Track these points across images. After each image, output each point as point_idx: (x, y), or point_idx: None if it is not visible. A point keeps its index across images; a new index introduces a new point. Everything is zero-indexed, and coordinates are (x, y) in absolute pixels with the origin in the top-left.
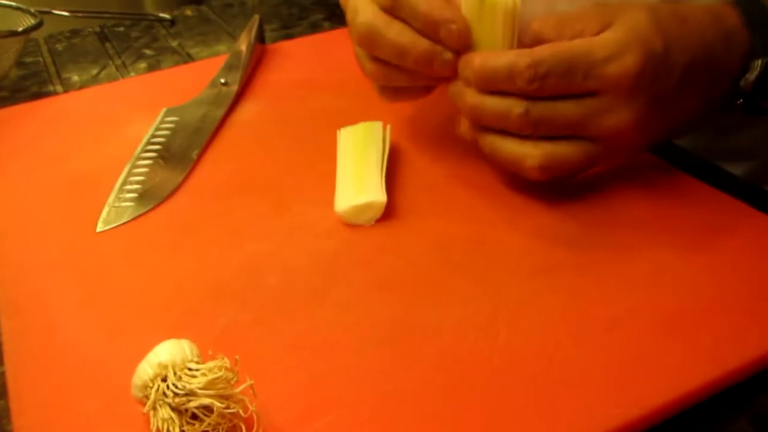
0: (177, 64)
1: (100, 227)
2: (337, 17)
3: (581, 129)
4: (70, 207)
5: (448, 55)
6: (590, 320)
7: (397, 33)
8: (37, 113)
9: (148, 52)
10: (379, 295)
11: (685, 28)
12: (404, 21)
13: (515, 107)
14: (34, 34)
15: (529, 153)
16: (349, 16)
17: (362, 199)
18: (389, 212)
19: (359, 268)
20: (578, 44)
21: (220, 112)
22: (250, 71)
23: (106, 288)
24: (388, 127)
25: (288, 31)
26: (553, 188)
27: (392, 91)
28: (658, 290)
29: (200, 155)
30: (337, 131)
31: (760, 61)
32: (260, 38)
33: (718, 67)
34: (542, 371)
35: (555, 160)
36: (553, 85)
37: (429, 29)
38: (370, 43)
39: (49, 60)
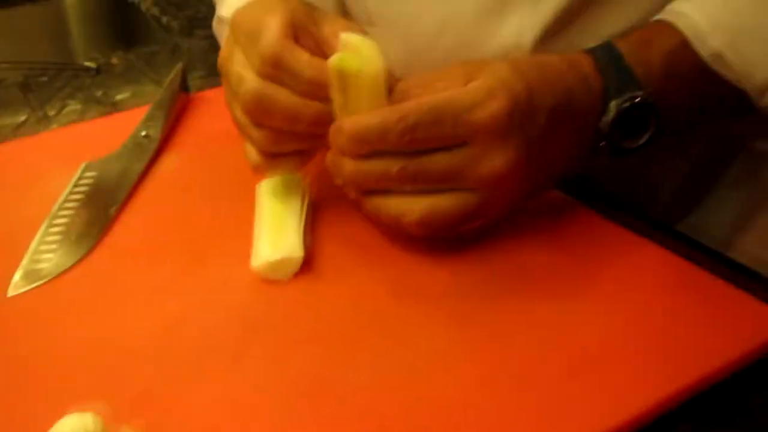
0: (101, 114)
1: (11, 292)
2: None
3: (459, 180)
4: None
5: None
6: (501, 369)
7: (288, 97)
8: None
9: (71, 102)
10: (295, 353)
11: (546, 74)
12: (288, 86)
13: (392, 165)
14: None
15: (409, 209)
16: (233, 85)
17: (278, 254)
18: (307, 266)
19: (275, 325)
20: (444, 94)
21: (140, 166)
22: (172, 122)
23: (17, 355)
24: (308, 178)
25: (215, 79)
26: (467, 239)
27: (271, 161)
28: (564, 335)
29: (118, 211)
30: (257, 184)
31: (614, 102)
32: (184, 87)
33: (581, 110)
34: (459, 421)
35: (434, 214)
36: (425, 137)
37: (315, 92)
38: (260, 111)
39: None
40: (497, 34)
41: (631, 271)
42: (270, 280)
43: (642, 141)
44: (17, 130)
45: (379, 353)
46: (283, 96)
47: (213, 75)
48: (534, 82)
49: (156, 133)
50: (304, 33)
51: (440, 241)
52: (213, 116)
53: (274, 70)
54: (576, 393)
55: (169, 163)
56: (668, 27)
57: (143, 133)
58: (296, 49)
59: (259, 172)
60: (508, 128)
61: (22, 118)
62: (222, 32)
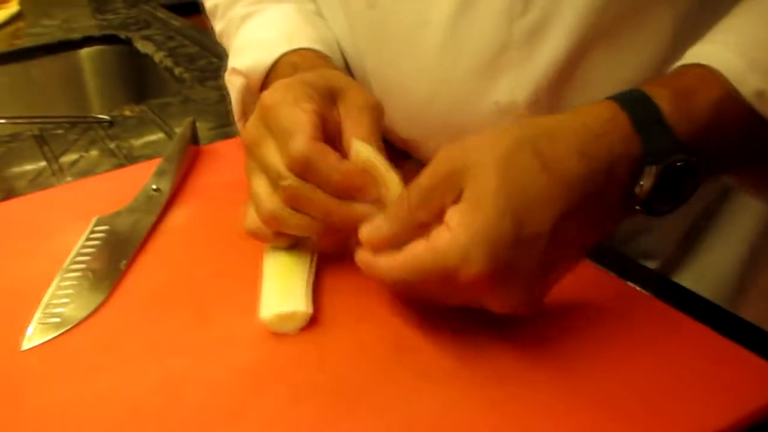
0: (114, 166)
1: (24, 345)
2: None
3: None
4: None
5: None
6: (505, 425)
7: (321, 198)
8: None
9: (85, 154)
10: (298, 409)
11: (547, 178)
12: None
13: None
14: None
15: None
16: (270, 175)
17: (286, 308)
18: (315, 319)
19: (279, 380)
20: (425, 256)
21: (150, 220)
22: (182, 175)
23: (28, 410)
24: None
25: (224, 130)
26: None
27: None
28: (569, 395)
29: (128, 266)
30: None
31: (654, 169)
32: (194, 140)
33: (607, 186)
34: None
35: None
36: (423, 287)
37: (346, 192)
38: (299, 205)
39: None
40: (490, 95)
41: (635, 328)
42: (275, 333)
43: (680, 202)
44: (33, 181)
45: (383, 408)
46: (317, 196)
47: (223, 126)
48: (526, 201)
49: (166, 186)
50: (328, 121)
51: None
52: (222, 169)
53: (304, 171)
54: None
55: (178, 215)
56: (705, 73)
57: (153, 187)
58: (325, 152)
59: (257, 238)
60: (496, 280)
61: (38, 169)
62: (235, 83)
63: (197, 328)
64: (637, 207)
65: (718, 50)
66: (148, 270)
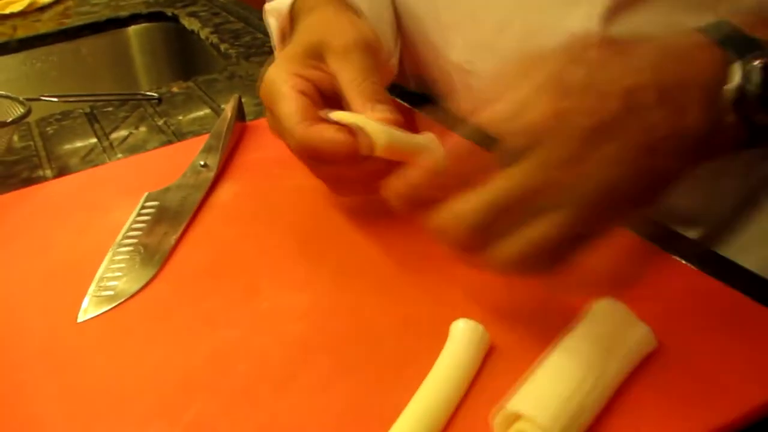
0: (163, 142)
1: (80, 318)
2: None
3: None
4: (53, 297)
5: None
6: None
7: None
8: (26, 201)
9: (134, 131)
10: (344, 381)
11: (617, 55)
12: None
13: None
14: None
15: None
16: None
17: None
18: (355, 294)
19: (326, 352)
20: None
21: (198, 196)
22: (229, 151)
23: (83, 380)
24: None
25: None
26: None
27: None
28: None
29: (178, 241)
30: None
31: (737, 65)
32: (240, 116)
33: (687, 78)
34: None
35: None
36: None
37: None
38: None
39: (40, 144)
40: (564, 24)
41: (679, 300)
42: (323, 308)
43: None
44: (85, 158)
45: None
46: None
47: None
48: (594, 63)
49: (214, 162)
50: (323, 82)
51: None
52: (268, 144)
53: (310, 156)
54: (623, 423)
55: (226, 191)
56: None
57: (201, 163)
58: (317, 131)
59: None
60: (563, 124)
61: (90, 146)
62: (270, 23)
63: (246, 302)
64: (732, 120)
65: None
66: (197, 245)
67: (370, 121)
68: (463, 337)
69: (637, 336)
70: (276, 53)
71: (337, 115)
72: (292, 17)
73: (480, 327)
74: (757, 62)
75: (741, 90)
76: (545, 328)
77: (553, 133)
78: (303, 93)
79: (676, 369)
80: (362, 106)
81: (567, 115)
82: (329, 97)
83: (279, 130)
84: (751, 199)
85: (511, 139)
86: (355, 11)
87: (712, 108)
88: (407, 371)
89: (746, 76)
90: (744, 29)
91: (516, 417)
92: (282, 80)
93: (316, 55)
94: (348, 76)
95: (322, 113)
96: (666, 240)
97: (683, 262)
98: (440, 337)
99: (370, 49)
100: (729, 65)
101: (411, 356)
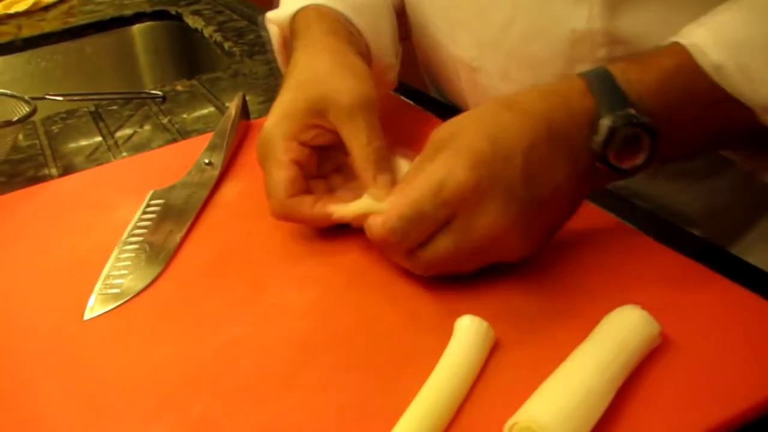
0: (167, 140)
1: (86, 315)
2: None
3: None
4: (59, 295)
5: None
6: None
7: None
8: (31, 199)
9: (139, 129)
10: (348, 377)
11: (512, 118)
12: None
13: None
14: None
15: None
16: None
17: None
18: (360, 292)
19: (330, 349)
20: (418, 183)
21: (203, 194)
22: (233, 149)
23: (89, 377)
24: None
25: None
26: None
27: None
28: None
29: (183, 239)
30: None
31: (603, 121)
32: (245, 114)
33: (564, 134)
34: None
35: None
36: (419, 233)
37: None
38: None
39: (45, 143)
40: (568, 22)
41: (684, 296)
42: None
43: (638, 162)
44: (90, 156)
45: (425, 378)
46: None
47: (272, 100)
48: (498, 129)
49: (218, 160)
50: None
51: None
52: None
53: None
54: (630, 417)
55: (231, 189)
56: (670, 46)
57: (206, 161)
58: (297, 206)
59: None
60: (483, 187)
61: (95, 144)
62: (271, 30)
63: (250, 299)
64: (600, 164)
65: (692, 27)
66: (202, 243)
67: (373, 203)
68: (468, 333)
69: (643, 331)
70: (278, 59)
71: (340, 211)
72: (292, 30)
73: (485, 323)
74: (617, 121)
75: (605, 144)
76: (550, 324)
77: (471, 202)
78: (296, 162)
79: (681, 364)
80: (368, 179)
81: (481, 184)
82: (325, 148)
83: (265, 187)
84: (754, 199)
85: (434, 212)
86: (352, 32)
87: (586, 156)
88: (412, 368)
89: (610, 132)
90: (617, 78)
91: (527, 426)
92: (278, 145)
93: (318, 111)
94: (354, 141)
95: (330, 208)
96: (671, 236)
97: (689, 258)
98: (444, 334)
99: (373, 108)
100: (598, 121)
101: (415, 353)
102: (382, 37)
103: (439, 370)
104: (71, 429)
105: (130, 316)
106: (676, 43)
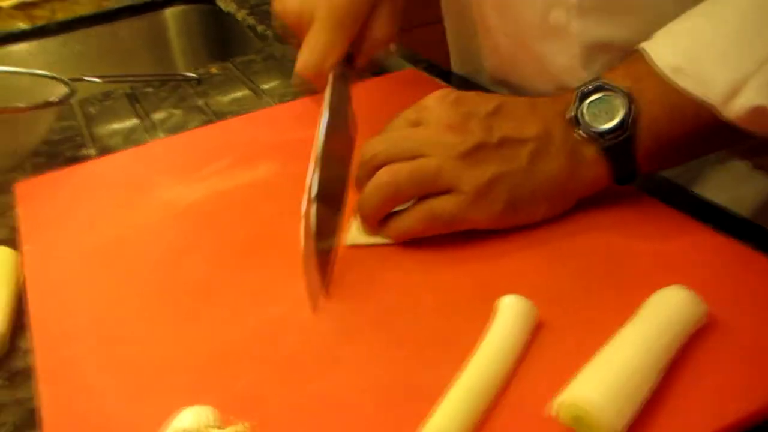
0: (203, 121)
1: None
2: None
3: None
4: (100, 272)
5: None
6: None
7: None
8: (71, 179)
9: (175, 111)
10: (389, 356)
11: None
12: None
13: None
14: None
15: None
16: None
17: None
18: (401, 271)
19: (372, 327)
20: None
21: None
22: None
23: (134, 354)
24: None
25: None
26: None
27: None
28: None
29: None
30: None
31: (576, 92)
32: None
33: (544, 107)
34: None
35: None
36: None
37: None
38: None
39: (82, 123)
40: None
41: (732, 277)
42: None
43: (615, 122)
44: (128, 137)
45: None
46: None
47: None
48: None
49: None
50: None
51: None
52: (301, 125)
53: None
54: (676, 397)
55: (268, 169)
56: (634, 52)
57: None
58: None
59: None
60: (455, 128)
61: (132, 126)
62: None
63: (290, 277)
64: (580, 132)
65: (657, 35)
66: (240, 222)
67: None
68: (511, 311)
69: (689, 311)
70: None
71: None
72: None
73: (528, 302)
74: (586, 87)
75: (576, 107)
76: (593, 305)
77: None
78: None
79: (727, 344)
80: None
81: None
82: None
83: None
84: None
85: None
86: None
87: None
88: (453, 347)
89: (578, 95)
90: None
91: (573, 405)
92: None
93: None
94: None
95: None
96: (714, 217)
97: (733, 239)
98: (485, 315)
99: None
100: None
101: (456, 333)
102: None
103: (483, 348)
104: (117, 404)
105: (171, 293)
106: (640, 49)
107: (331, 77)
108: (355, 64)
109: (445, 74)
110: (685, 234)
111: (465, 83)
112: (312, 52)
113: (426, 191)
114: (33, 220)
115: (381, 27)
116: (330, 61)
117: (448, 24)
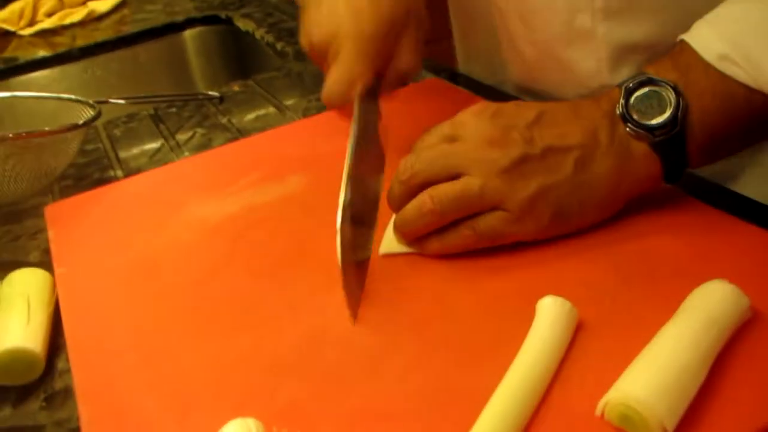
0: (227, 139)
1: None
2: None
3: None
4: (135, 291)
5: None
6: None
7: None
8: (100, 200)
9: (199, 130)
10: (430, 362)
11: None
12: None
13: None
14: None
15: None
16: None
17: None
18: (438, 275)
19: (412, 334)
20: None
21: None
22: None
23: (175, 369)
24: None
25: None
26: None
27: None
28: None
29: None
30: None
31: (624, 86)
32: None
33: (586, 114)
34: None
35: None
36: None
37: None
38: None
39: (108, 146)
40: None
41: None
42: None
43: (666, 116)
44: (153, 158)
45: (510, 359)
46: None
47: None
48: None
49: None
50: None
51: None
52: (327, 139)
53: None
54: (724, 392)
55: (300, 182)
56: (677, 44)
57: None
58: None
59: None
60: (492, 141)
61: (157, 147)
62: None
63: (327, 289)
64: (630, 126)
65: (695, 25)
66: (276, 235)
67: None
68: (551, 312)
69: (733, 304)
70: None
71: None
72: None
73: (567, 303)
74: (634, 81)
75: (625, 103)
76: (633, 303)
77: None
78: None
79: None
80: None
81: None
82: None
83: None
84: None
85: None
86: None
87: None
88: (494, 351)
89: (627, 90)
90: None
91: (622, 403)
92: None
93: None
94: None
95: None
96: (752, 212)
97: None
98: (525, 317)
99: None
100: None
101: (497, 336)
102: None
103: (525, 350)
104: (161, 420)
105: (210, 308)
106: (682, 41)
107: (359, 91)
108: (379, 94)
109: (471, 83)
110: (723, 230)
111: (491, 92)
112: (336, 83)
113: (470, 213)
114: (65, 242)
115: (406, 58)
116: (355, 91)
117: (460, 41)
